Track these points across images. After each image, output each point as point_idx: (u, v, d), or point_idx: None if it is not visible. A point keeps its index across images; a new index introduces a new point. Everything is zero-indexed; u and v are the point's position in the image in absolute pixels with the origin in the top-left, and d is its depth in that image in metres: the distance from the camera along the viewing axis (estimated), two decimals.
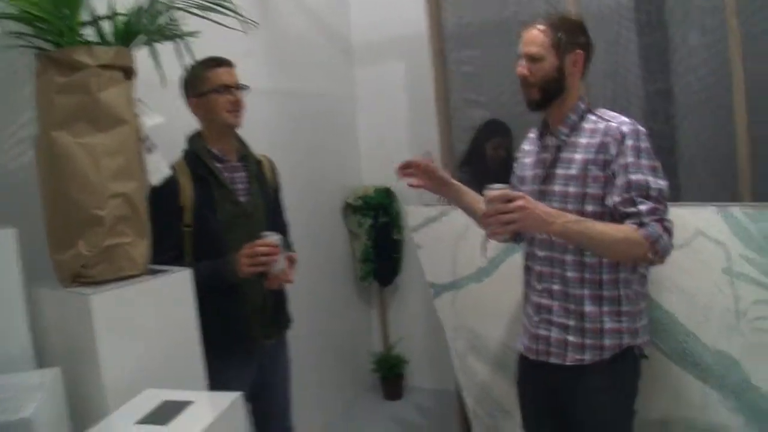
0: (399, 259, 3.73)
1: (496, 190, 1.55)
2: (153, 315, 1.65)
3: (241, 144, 2.12)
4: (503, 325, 2.30)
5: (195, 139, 2.04)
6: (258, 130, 2.96)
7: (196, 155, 2.00)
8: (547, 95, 1.71)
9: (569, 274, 1.70)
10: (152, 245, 1.92)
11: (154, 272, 1.71)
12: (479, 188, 3.19)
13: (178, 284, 1.73)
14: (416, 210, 2.54)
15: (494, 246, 2.20)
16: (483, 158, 3.11)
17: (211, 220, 1.97)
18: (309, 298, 3.22)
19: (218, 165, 2.03)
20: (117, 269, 1.62)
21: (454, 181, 1.91)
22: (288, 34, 3.22)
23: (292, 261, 2.05)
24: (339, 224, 3.66)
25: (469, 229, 2.25)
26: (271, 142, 3.04)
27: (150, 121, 1.69)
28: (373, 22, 3.61)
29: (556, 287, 1.74)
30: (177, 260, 1.94)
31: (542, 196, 1.74)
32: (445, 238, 2.44)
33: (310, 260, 3.30)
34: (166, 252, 1.91)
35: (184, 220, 1.96)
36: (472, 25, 2.85)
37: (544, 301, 1.76)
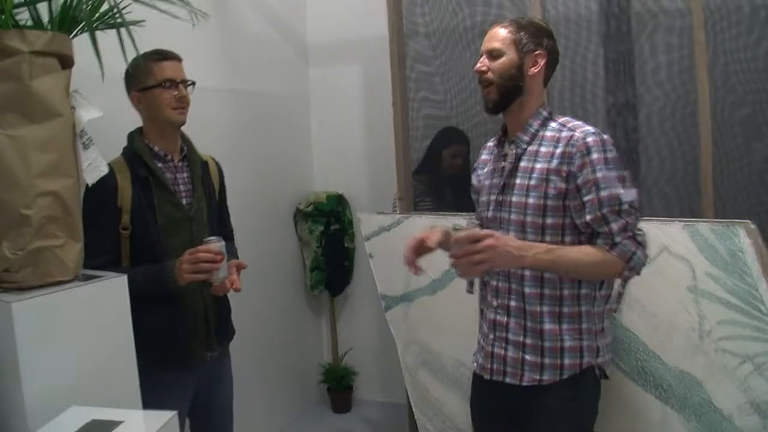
0: (350, 268, 3.64)
1: (462, 231, 1.51)
2: (83, 325, 1.52)
3: (186, 143, 2.01)
4: (457, 341, 2.23)
5: (136, 137, 1.92)
6: (206, 130, 2.84)
7: (136, 153, 1.88)
8: (506, 96, 1.65)
9: (527, 290, 1.64)
10: (86, 248, 1.79)
11: (86, 278, 1.58)
12: (434, 197, 3.16)
13: (112, 291, 1.60)
14: (369, 218, 2.46)
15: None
16: (439, 166, 3.06)
17: (150, 223, 1.85)
18: (256, 306, 3.11)
19: (160, 164, 1.91)
20: (44, 274, 1.48)
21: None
22: (241, 30, 3.11)
23: (239, 268, 1.94)
24: (289, 231, 3.55)
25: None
26: (221, 144, 2.93)
27: (87, 114, 1.56)
28: (330, 23, 3.53)
29: (513, 303, 1.68)
30: (113, 265, 1.81)
31: (499, 206, 1.69)
32: (398, 248, 2.35)
33: (258, 267, 3.18)
34: (101, 256, 1.78)
35: (122, 222, 1.83)
36: (435, 30, 2.80)
37: (500, 318, 1.70)
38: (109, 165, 1.81)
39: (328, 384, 3.63)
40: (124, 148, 1.92)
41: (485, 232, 1.51)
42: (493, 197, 1.72)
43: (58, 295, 1.48)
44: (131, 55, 1.76)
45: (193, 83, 1.95)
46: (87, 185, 1.78)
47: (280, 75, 3.43)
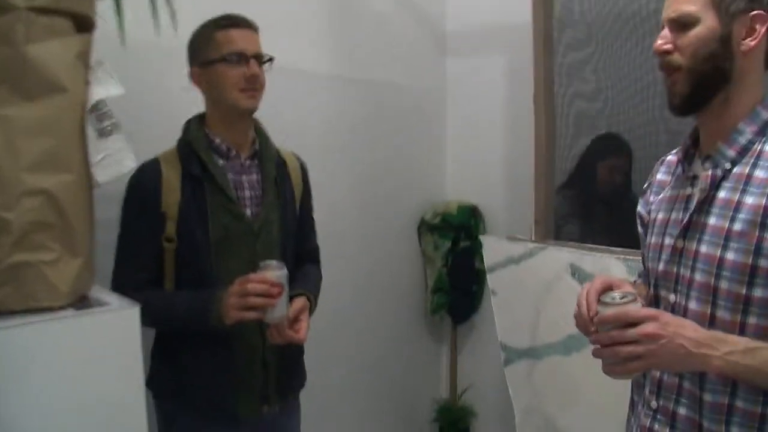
0: (479, 293, 3.10)
1: (611, 306, 0.99)
2: (78, 366, 1.16)
3: (260, 136, 1.60)
4: (593, 421, 1.64)
5: (193, 124, 1.55)
6: (310, 124, 2.47)
7: (189, 145, 1.50)
8: (703, 86, 1.07)
9: (708, 396, 1.05)
10: (120, 262, 1.44)
11: (84, 304, 1.21)
12: (582, 221, 2.54)
13: (118, 326, 1.23)
14: (495, 244, 1.93)
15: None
16: (592, 183, 2.45)
17: (199, 236, 1.46)
18: (363, 327, 2.71)
19: (221, 161, 1.52)
20: (26, 297, 1.14)
21: None
22: (362, 6, 2.67)
23: (302, 310, 1.50)
24: (411, 244, 3.08)
25: (562, 280, 1.62)
26: (327, 141, 2.54)
27: (103, 91, 1.20)
28: (473, 5, 3.00)
29: (682, 411, 1.09)
30: (151, 285, 1.46)
31: (678, 256, 1.10)
32: (527, 286, 1.81)
33: (370, 283, 2.77)
34: (135, 273, 1.44)
35: (166, 232, 1.46)
36: (590, 17, 2.19)
37: (660, 429, 1.11)
38: (156, 160, 1.46)
39: (441, 424, 3.13)
40: (179, 139, 1.55)
41: (646, 312, 0.95)
42: (669, 240, 1.14)
43: (43, 326, 1.13)
44: (183, 25, 1.40)
45: (271, 59, 1.55)
46: (129, 181, 1.46)
47: (409, 64, 2.96)
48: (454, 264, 3.03)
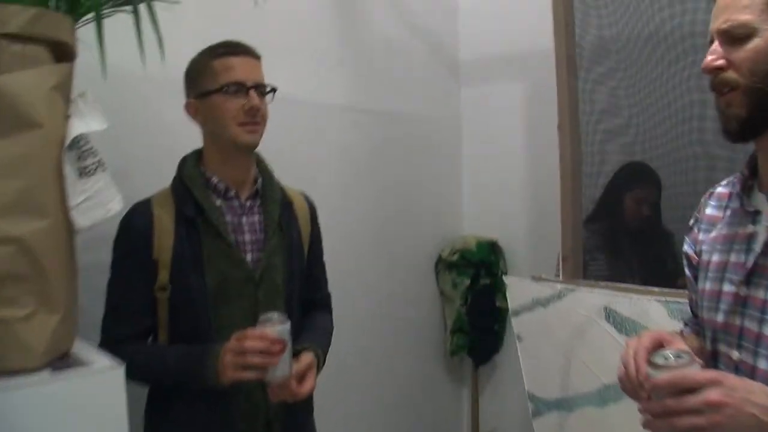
0: (500, 333, 2.94)
1: (665, 367, 0.85)
2: None
3: (263, 173, 1.48)
4: None
5: (189, 162, 1.42)
6: (321, 159, 2.35)
7: (184, 184, 1.38)
8: (763, 108, 0.92)
9: None
10: (108, 312, 1.32)
11: (63, 364, 1.08)
12: (610, 257, 2.37)
13: (101, 388, 1.09)
14: (520, 285, 1.78)
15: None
16: (619, 215, 2.30)
17: (194, 284, 1.33)
18: (381, 372, 2.57)
19: (217, 201, 1.39)
20: None
21: None
22: (374, 35, 2.58)
23: (308, 368, 1.36)
24: (428, 283, 2.93)
25: (595, 324, 1.47)
26: (338, 177, 2.42)
27: (82, 126, 1.08)
28: (488, 35, 2.90)
29: None
30: (143, 337, 1.32)
31: (742, 306, 0.95)
32: (556, 331, 1.66)
33: (386, 324, 2.63)
34: (126, 325, 1.31)
35: (159, 280, 1.33)
36: (615, 39, 2.07)
37: None
38: (148, 201, 1.34)
39: None
40: (174, 178, 1.43)
41: (708, 376, 0.80)
42: (729, 287, 0.99)
43: (14, 393, 0.99)
44: (181, 53, 1.29)
45: (273, 90, 1.43)
46: (120, 224, 1.33)
47: (423, 93, 2.85)
48: (473, 303, 2.87)
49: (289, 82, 1.99)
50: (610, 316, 1.49)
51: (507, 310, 2.89)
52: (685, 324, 1.20)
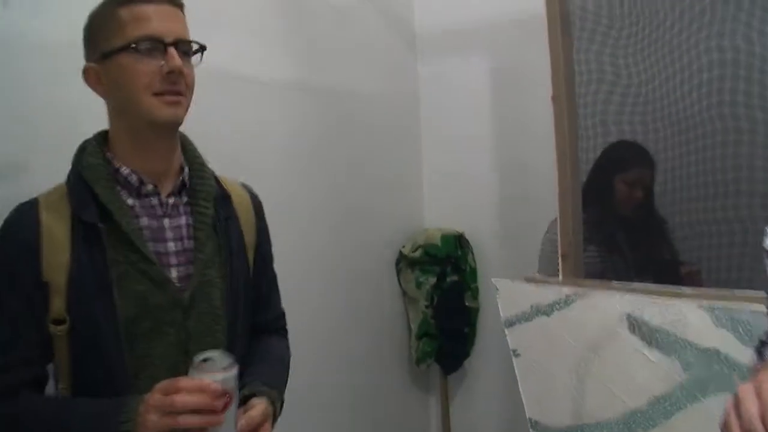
0: (471, 336, 2.65)
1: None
2: None
3: (191, 161, 1.12)
4: None
5: (90, 148, 1.05)
6: (266, 142, 2.00)
7: (83, 180, 1.00)
8: None
9: None
10: None
11: None
12: (602, 247, 2.10)
13: None
14: (513, 288, 1.46)
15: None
16: (609, 200, 2.03)
17: (100, 314, 0.96)
18: (339, 382, 2.26)
19: (129, 200, 1.02)
20: None
21: None
22: (325, 7, 2.23)
23: (262, 422, 1.01)
24: (389, 284, 2.61)
25: (616, 337, 1.18)
26: (287, 165, 2.08)
27: None
28: (447, 3, 2.59)
29: None
30: (35, 388, 0.95)
31: None
32: (564, 346, 1.36)
33: (342, 333, 2.32)
34: (9, 372, 0.93)
35: (52, 309, 0.96)
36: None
37: None
38: (34, 203, 0.96)
39: None
40: (69, 171, 1.05)
41: None
42: None
43: None
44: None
45: (202, 49, 1.06)
46: None
47: (377, 69, 2.52)
48: (440, 303, 2.56)
49: (225, 55, 1.67)
50: (635, 325, 1.21)
51: (478, 309, 2.63)
52: (764, 343, 0.91)
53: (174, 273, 1.03)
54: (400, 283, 2.63)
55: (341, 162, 2.31)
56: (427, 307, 2.55)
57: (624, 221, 2.02)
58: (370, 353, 2.49)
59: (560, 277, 1.49)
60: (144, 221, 1.03)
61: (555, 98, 1.47)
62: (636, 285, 1.30)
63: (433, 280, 2.54)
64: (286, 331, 1.30)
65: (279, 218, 1.96)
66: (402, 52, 2.64)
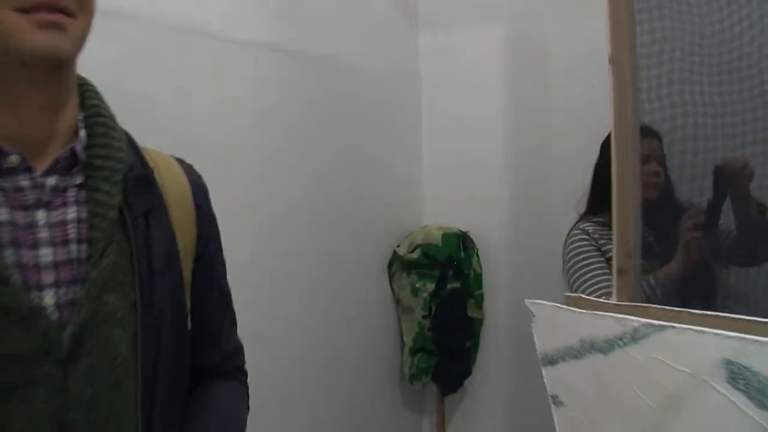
0: (473, 351, 2.28)
1: None
2: None
3: (92, 118, 0.72)
4: None
5: None
6: (236, 115, 1.63)
7: None
8: None
9: None
10: None
11: None
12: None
13: None
14: (556, 314, 1.08)
15: None
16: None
17: None
18: (322, 402, 1.92)
19: None
20: None
21: None
22: None
23: None
24: (380, 289, 2.23)
25: (708, 389, 0.82)
26: (263, 146, 1.71)
27: None
28: None
29: None
30: None
31: None
32: (629, 398, 0.98)
33: (328, 345, 1.98)
34: None
35: None
36: None
37: None
38: None
39: None
40: None
41: None
42: None
43: None
44: None
45: None
46: None
47: (372, 37, 2.15)
48: (439, 313, 2.20)
49: (187, 6, 1.39)
50: (737, 375, 0.84)
51: (482, 321, 2.26)
52: None
53: (49, 299, 0.64)
54: (392, 289, 2.25)
55: (327, 144, 1.93)
56: (424, 317, 2.18)
57: (652, 216, 1.65)
58: (356, 370, 2.11)
59: (614, 298, 1.11)
60: (1, 214, 0.63)
61: (614, 61, 1.08)
62: (737, 317, 0.92)
63: (431, 286, 2.17)
64: (244, 373, 0.91)
65: (246, 210, 1.59)
66: (401, 20, 2.26)
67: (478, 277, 2.24)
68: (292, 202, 1.82)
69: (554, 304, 1.05)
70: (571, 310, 1.05)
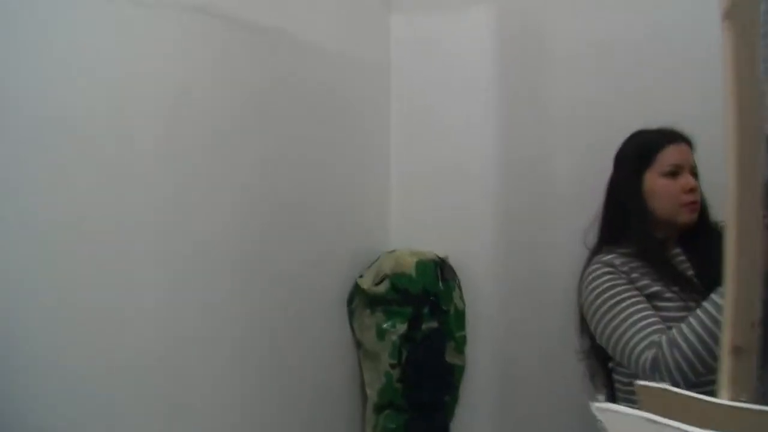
0: (451, 406, 1.86)
1: None
2: None
3: None
4: None
5: None
6: (148, 93, 1.18)
7: None
8: None
9: None
10: None
11: None
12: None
13: None
14: (635, 425, 0.65)
15: None
16: (643, 218, 1.33)
17: None
18: None
19: None
20: None
21: None
22: None
23: None
24: (338, 330, 1.79)
25: None
26: (187, 137, 1.26)
27: None
28: None
29: None
30: None
31: None
32: None
33: (267, 402, 1.52)
34: None
35: None
36: None
37: None
38: None
39: None
40: None
41: None
42: None
43: None
44: None
45: None
46: None
47: (334, 12, 1.71)
48: (412, 361, 1.76)
49: None
50: None
51: (463, 368, 1.84)
52: None
53: None
54: (353, 330, 1.81)
55: (268, 145, 1.49)
56: (392, 366, 1.74)
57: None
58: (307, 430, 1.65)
59: (725, 391, 0.68)
60: None
61: (729, 13, 0.67)
62: None
63: (402, 327, 1.74)
64: None
65: (157, 230, 1.15)
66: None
67: (461, 315, 1.82)
68: (220, 221, 1.36)
69: (638, 413, 0.62)
70: (667, 424, 0.62)
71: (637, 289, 1.28)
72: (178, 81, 1.26)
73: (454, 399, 1.85)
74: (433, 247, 1.83)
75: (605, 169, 1.46)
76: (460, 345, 1.82)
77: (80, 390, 1.06)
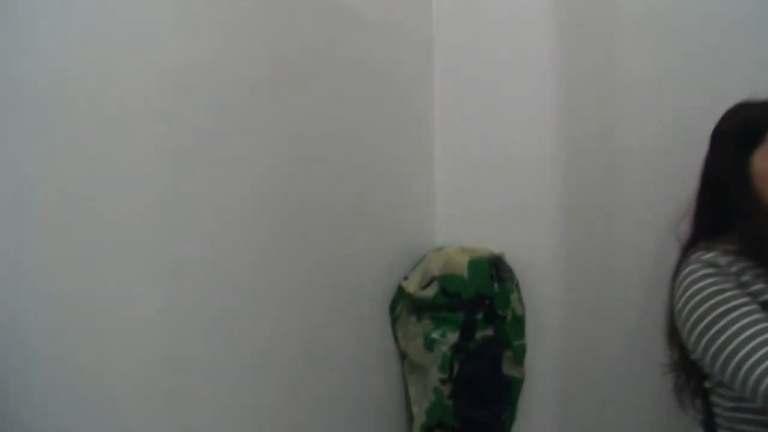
0: (508, 424, 1.65)
1: None
2: None
3: None
4: None
5: None
6: (142, 71, 0.97)
7: None
8: None
9: None
10: None
11: None
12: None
13: None
14: None
15: None
16: (753, 207, 1.10)
17: None
18: None
19: None
20: None
21: None
22: None
23: None
24: (380, 340, 1.59)
25: None
26: (204, 114, 1.05)
27: None
28: None
29: None
30: None
31: None
32: None
33: (304, 417, 1.28)
34: None
35: None
36: None
37: None
38: None
39: None
40: None
41: None
42: None
43: None
44: None
45: None
46: None
47: None
48: (464, 374, 1.55)
49: None
50: None
51: (521, 381, 1.62)
52: None
53: None
54: (396, 340, 1.60)
55: (296, 123, 1.27)
56: (443, 381, 1.54)
57: None
58: None
59: None
60: None
61: None
62: None
63: (453, 336, 1.53)
64: None
65: (157, 218, 0.96)
66: None
67: (519, 321, 1.60)
68: (242, 212, 1.16)
69: None
70: None
71: (749, 294, 1.05)
72: (179, 48, 1.05)
73: (512, 417, 1.63)
74: (486, 242, 1.61)
75: (688, 150, 1.24)
76: (519, 355, 1.60)
77: (80, 390, 0.93)
